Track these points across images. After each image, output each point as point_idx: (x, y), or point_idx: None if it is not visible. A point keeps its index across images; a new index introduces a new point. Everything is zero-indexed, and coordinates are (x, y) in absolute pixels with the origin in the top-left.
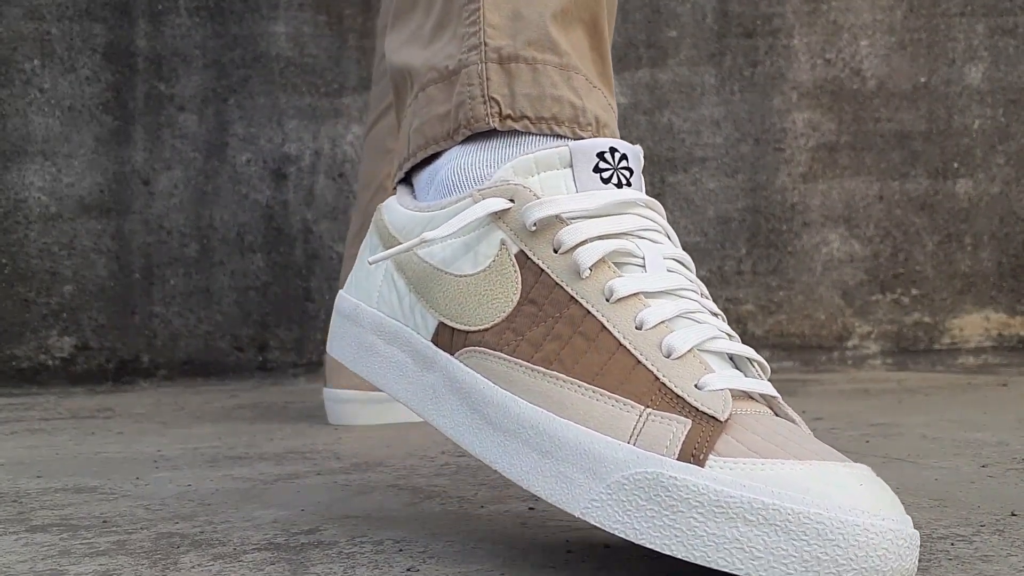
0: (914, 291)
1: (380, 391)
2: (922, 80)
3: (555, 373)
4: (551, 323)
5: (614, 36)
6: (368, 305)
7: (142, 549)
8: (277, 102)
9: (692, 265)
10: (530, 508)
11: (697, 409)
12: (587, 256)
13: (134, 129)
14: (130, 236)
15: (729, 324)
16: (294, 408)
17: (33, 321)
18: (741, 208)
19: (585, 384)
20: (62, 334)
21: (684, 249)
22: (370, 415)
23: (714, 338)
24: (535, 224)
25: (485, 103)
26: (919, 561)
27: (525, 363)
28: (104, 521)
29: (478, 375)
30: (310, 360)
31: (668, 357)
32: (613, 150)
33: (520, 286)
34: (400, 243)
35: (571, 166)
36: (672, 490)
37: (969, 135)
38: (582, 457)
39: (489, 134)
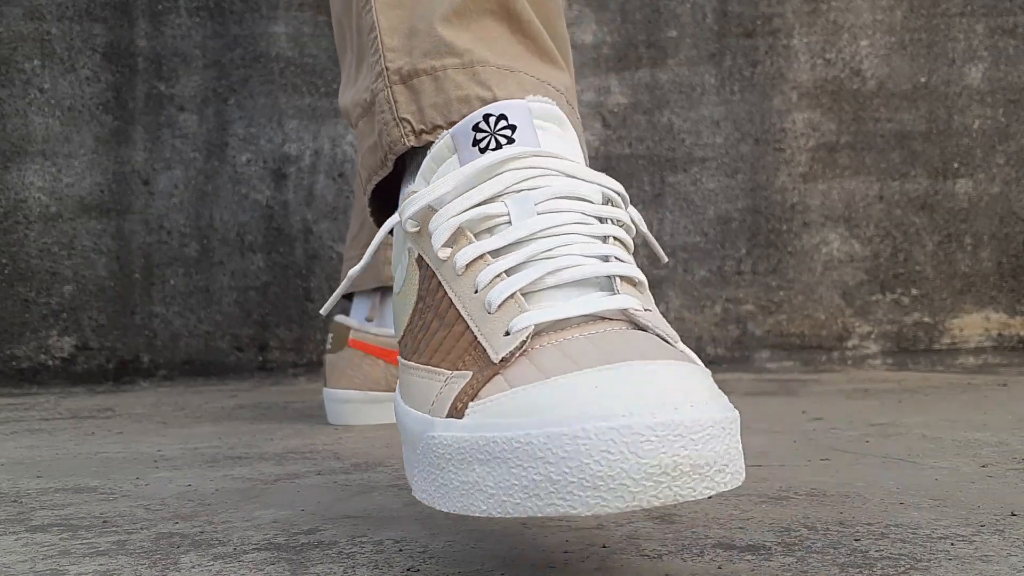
0: (914, 291)
1: (380, 391)
2: (922, 80)
3: (411, 363)
4: (429, 316)
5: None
6: None
7: (142, 549)
8: (277, 102)
9: (593, 188)
10: None
11: (488, 359)
12: (440, 236)
13: (134, 129)
14: (130, 236)
15: (729, 324)
16: (294, 408)
17: (33, 321)
18: (741, 208)
19: (423, 366)
20: (62, 334)
21: (684, 250)
22: (370, 415)
23: (555, 271)
24: (414, 223)
25: (398, 125)
26: (919, 562)
27: (408, 363)
28: (104, 521)
29: (397, 391)
30: (310, 360)
31: (489, 312)
32: (488, 116)
33: (418, 287)
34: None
35: (456, 150)
36: (435, 449)
37: (969, 135)
38: (408, 437)
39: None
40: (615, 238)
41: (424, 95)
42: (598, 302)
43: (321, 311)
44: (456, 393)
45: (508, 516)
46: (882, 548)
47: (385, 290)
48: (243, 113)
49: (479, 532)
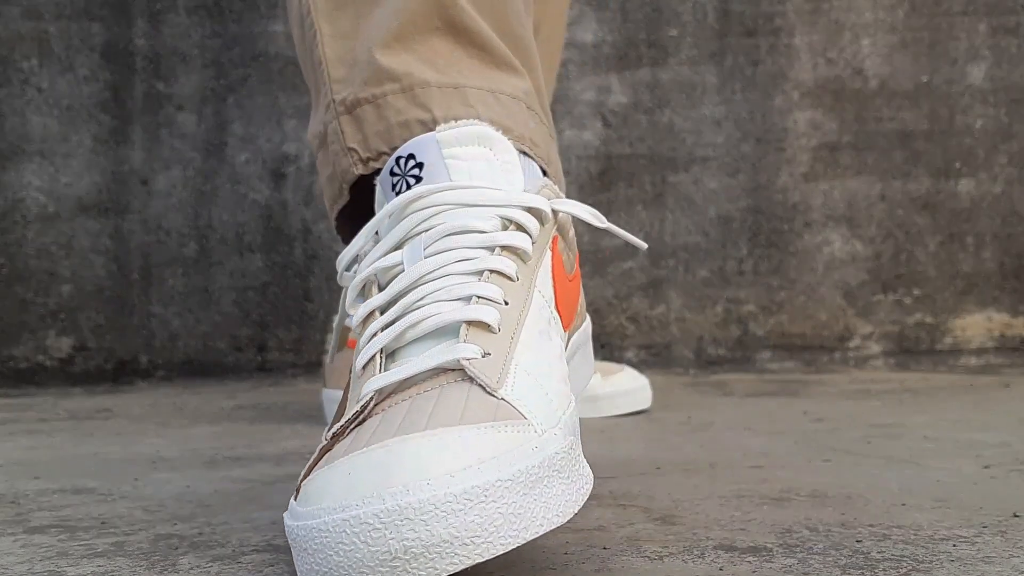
0: (916, 291)
1: None
2: (924, 79)
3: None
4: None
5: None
6: None
7: (140, 550)
8: (276, 101)
9: (488, 214)
10: None
11: (335, 433)
12: (350, 294)
13: (132, 129)
14: (128, 236)
15: (730, 324)
16: (293, 409)
17: (31, 321)
18: (742, 208)
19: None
20: (60, 334)
21: (685, 249)
22: None
23: (415, 324)
24: (350, 276)
25: (347, 155)
26: (921, 563)
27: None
28: (102, 522)
29: None
30: (309, 361)
31: (357, 377)
32: (399, 159)
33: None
34: None
35: (386, 198)
36: (291, 537)
37: (971, 135)
38: None
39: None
40: (492, 271)
41: (367, 123)
42: (439, 355)
43: (327, 359)
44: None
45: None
46: (884, 549)
47: None
48: (242, 112)
49: None
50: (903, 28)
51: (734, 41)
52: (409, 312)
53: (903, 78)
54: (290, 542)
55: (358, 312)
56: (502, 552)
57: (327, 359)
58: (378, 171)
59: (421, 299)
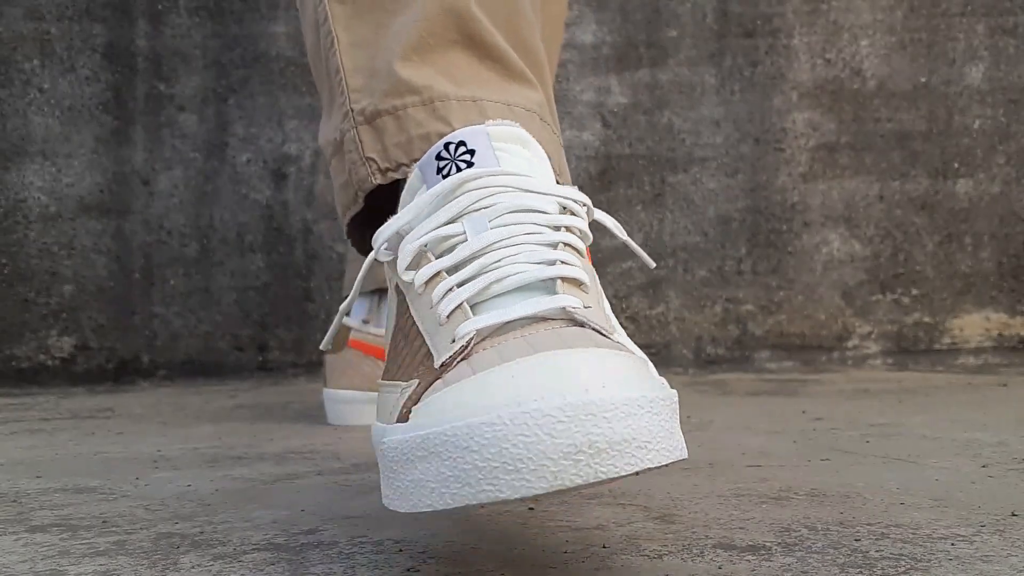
0: (914, 291)
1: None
2: (922, 80)
3: (382, 382)
4: (399, 338)
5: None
6: None
7: (142, 549)
8: (277, 102)
9: (549, 200)
10: (530, 508)
11: (429, 367)
12: (404, 258)
13: (134, 129)
14: (130, 236)
15: (729, 324)
16: (294, 408)
17: (33, 321)
18: (741, 208)
19: (387, 382)
20: (62, 334)
21: (684, 249)
22: (370, 415)
23: (499, 280)
24: (387, 252)
25: (364, 164)
26: (919, 562)
27: (380, 382)
28: (104, 521)
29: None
30: (310, 360)
31: (440, 324)
32: (448, 144)
33: (396, 312)
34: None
35: (424, 181)
36: (386, 454)
37: (969, 135)
38: (375, 450)
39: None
40: (565, 244)
41: (387, 134)
42: (536, 304)
43: (321, 346)
44: (404, 400)
45: (449, 508)
46: (882, 548)
47: (382, 292)
48: (243, 113)
49: (479, 532)
50: (901, 29)
51: (733, 42)
52: (488, 271)
53: (901, 79)
54: (420, 452)
55: (421, 271)
56: (665, 464)
57: (327, 357)
58: (396, 181)
59: (498, 260)
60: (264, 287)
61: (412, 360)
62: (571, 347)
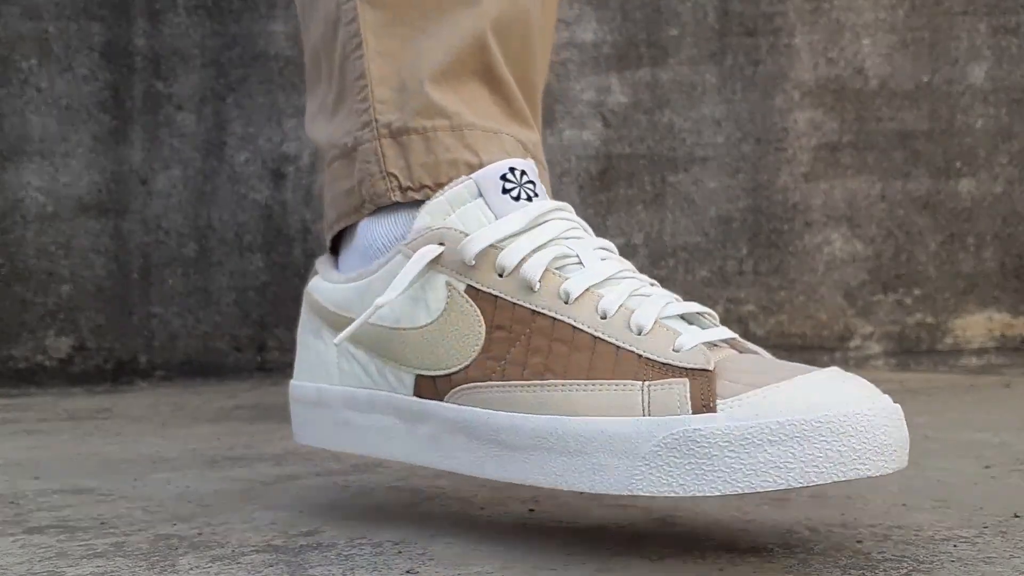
0: (916, 291)
1: None
2: (924, 79)
3: (552, 381)
4: (525, 340)
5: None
6: (331, 384)
7: (140, 551)
8: (276, 101)
9: (614, 247)
10: (530, 510)
11: (686, 368)
12: (534, 271)
13: (132, 128)
14: (128, 236)
15: (730, 324)
16: None
17: (30, 321)
18: (742, 208)
19: (583, 381)
20: (59, 334)
21: (685, 250)
22: None
23: (667, 304)
24: (474, 258)
25: (384, 178)
26: (922, 564)
27: (518, 382)
28: (102, 523)
29: (477, 409)
30: None
31: (640, 334)
32: (512, 169)
33: (482, 317)
34: (343, 317)
35: (481, 195)
36: (701, 440)
37: (972, 134)
38: (609, 443)
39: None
40: (655, 283)
41: (414, 153)
42: (719, 332)
43: (335, 341)
44: (683, 396)
45: (805, 485)
46: (885, 550)
47: None
48: (241, 112)
49: (479, 533)
50: (903, 28)
51: (734, 41)
52: (640, 295)
53: (903, 78)
54: (774, 437)
55: (569, 284)
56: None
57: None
58: (416, 201)
59: (638, 288)
60: (263, 287)
61: (614, 364)
62: (814, 370)
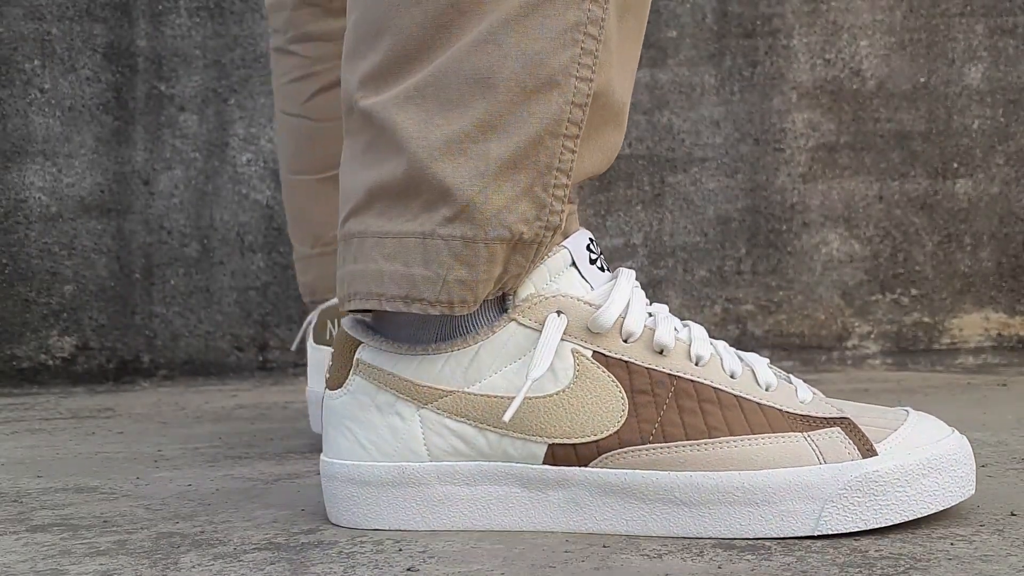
0: (914, 291)
1: None
2: (922, 80)
3: (723, 439)
4: (672, 401)
5: None
6: (420, 462)
7: (142, 549)
8: None
9: None
10: None
11: (826, 418)
12: (666, 337)
13: (134, 129)
14: (130, 236)
15: (729, 324)
16: (294, 408)
17: (33, 321)
18: (741, 208)
19: (750, 436)
20: (62, 334)
21: (684, 249)
22: None
23: (756, 356)
24: (603, 327)
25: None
26: (919, 561)
27: (685, 442)
28: (104, 521)
29: (639, 471)
30: None
31: (767, 390)
32: (591, 240)
33: (618, 383)
34: (438, 390)
35: (574, 264)
36: (878, 480)
37: (969, 135)
38: (794, 491)
39: None
40: None
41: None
42: (799, 382)
43: (505, 418)
44: (847, 442)
45: (947, 506)
46: (882, 548)
47: None
48: (243, 113)
49: (479, 532)
50: (901, 29)
51: (732, 42)
52: (731, 354)
53: (901, 79)
54: (925, 471)
55: (696, 347)
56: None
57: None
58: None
59: (727, 348)
60: (264, 287)
61: (765, 419)
62: (906, 409)
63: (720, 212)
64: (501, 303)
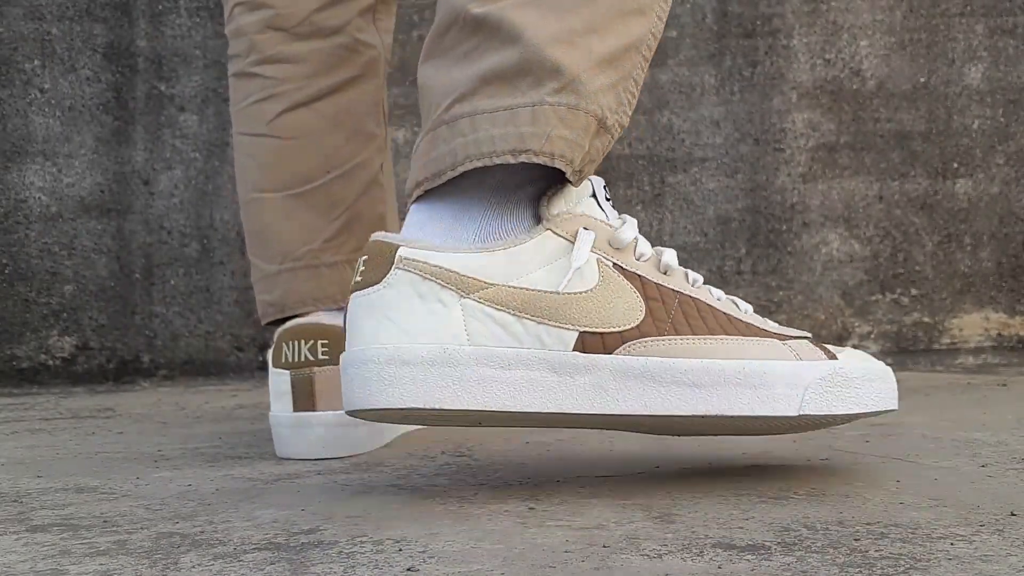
0: (913, 291)
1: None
2: (922, 80)
3: (726, 336)
4: (678, 308)
5: None
6: (460, 345)
7: (142, 549)
8: None
9: None
10: (530, 508)
11: (796, 336)
12: (670, 259)
13: (134, 129)
14: (130, 236)
15: None
16: None
17: (34, 321)
18: (741, 208)
19: (746, 336)
20: (62, 334)
21: (684, 249)
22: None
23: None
24: (622, 243)
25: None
26: (919, 561)
27: (695, 336)
28: (104, 521)
29: (659, 358)
30: None
31: (746, 313)
32: (605, 184)
33: (635, 289)
34: (483, 282)
35: (594, 195)
36: (844, 375)
37: (969, 135)
38: (783, 378)
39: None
40: None
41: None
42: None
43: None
44: (813, 349)
45: (889, 409)
46: (882, 548)
47: None
48: None
49: (479, 532)
50: (901, 29)
51: (733, 42)
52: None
53: (901, 79)
54: (875, 376)
55: (690, 275)
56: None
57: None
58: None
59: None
60: None
61: (748, 329)
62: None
63: (720, 212)
64: (535, 217)
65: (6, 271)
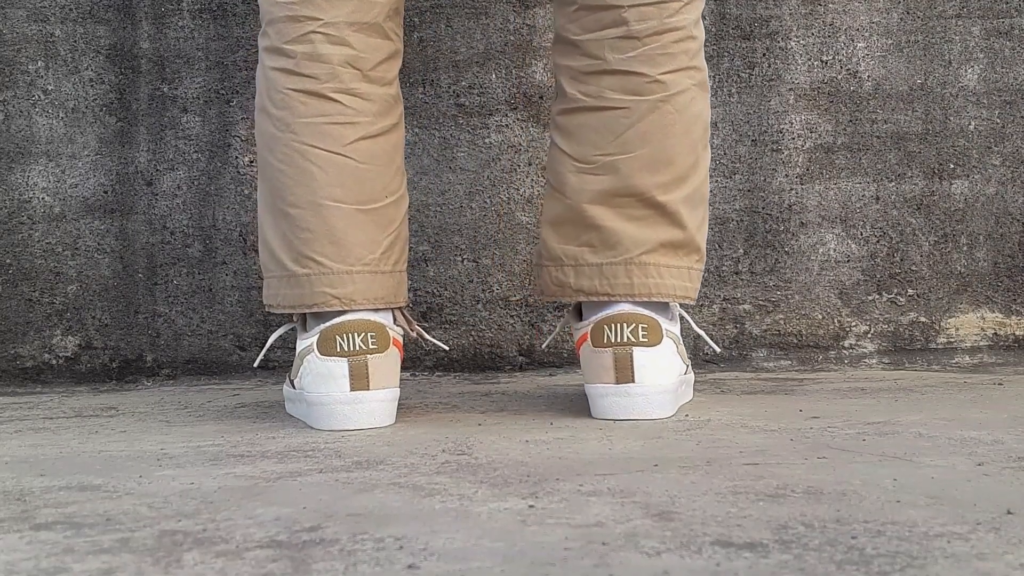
0: (910, 291)
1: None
2: (918, 82)
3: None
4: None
5: None
6: None
7: (145, 547)
8: None
9: None
10: (530, 506)
11: None
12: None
13: (137, 130)
14: (133, 236)
15: (726, 323)
16: None
17: (37, 320)
18: (738, 208)
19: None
20: (66, 333)
21: None
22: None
23: None
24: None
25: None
26: (916, 559)
27: None
28: (107, 519)
29: None
30: None
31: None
32: None
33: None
34: None
35: None
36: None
37: (965, 136)
38: None
39: None
40: None
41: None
42: None
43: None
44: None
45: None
46: (879, 546)
47: None
48: (246, 114)
49: (479, 530)
50: (898, 31)
51: (730, 44)
52: None
53: (898, 80)
54: None
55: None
56: None
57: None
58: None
59: None
60: None
61: None
62: None
63: (718, 212)
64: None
65: (10, 271)
